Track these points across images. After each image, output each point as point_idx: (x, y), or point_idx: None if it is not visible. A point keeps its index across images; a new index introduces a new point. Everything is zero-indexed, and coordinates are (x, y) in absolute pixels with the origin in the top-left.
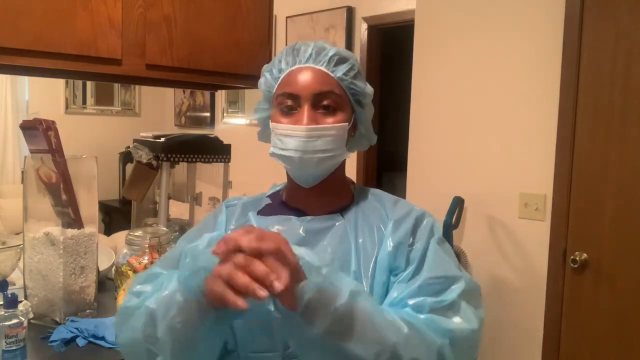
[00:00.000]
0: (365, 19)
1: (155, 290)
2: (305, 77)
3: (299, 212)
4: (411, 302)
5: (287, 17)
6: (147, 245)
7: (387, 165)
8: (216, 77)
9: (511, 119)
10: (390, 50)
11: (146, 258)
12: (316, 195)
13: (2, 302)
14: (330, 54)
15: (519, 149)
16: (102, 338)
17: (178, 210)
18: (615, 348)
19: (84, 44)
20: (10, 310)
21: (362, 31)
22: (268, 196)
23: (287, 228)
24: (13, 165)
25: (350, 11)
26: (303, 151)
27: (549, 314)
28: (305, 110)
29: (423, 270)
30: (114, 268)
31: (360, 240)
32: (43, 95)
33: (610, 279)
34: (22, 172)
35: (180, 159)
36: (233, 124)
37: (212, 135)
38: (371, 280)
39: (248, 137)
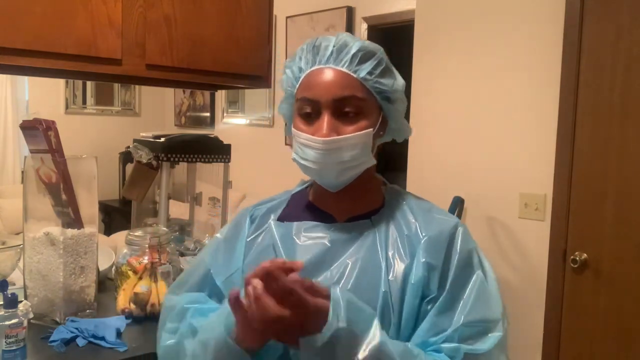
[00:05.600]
0: (365, 19)
1: (187, 328)
2: (324, 81)
3: (326, 216)
4: (445, 346)
5: (287, 17)
6: (147, 245)
7: (387, 165)
8: (216, 77)
9: (511, 119)
10: (390, 50)
11: (146, 258)
12: (344, 198)
13: (2, 302)
14: (353, 51)
15: (519, 149)
16: (102, 338)
17: (178, 210)
18: (615, 348)
19: (83, 44)
20: (10, 310)
21: (362, 31)
22: (293, 194)
23: (312, 237)
24: (13, 165)
25: (350, 11)
26: (322, 163)
27: (549, 314)
28: (325, 119)
29: (462, 307)
30: (114, 268)
31: (391, 253)
32: (43, 95)
33: (610, 279)
34: (22, 172)
35: (180, 159)
36: (233, 124)
37: (212, 135)
38: (400, 303)
39: (248, 137)
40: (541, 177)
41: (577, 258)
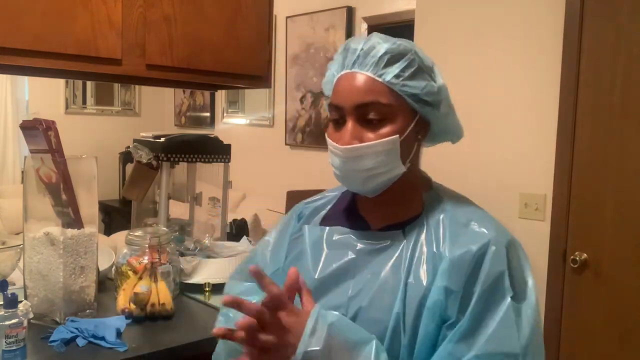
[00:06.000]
0: (365, 19)
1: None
2: (348, 86)
3: (362, 222)
4: None
5: (287, 17)
6: (147, 245)
7: None
8: (216, 77)
9: (511, 119)
10: None
11: (146, 258)
12: (380, 204)
13: (2, 302)
14: (380, 53)
15: (519, 149)
16: (102, 338)
17: (178, 210)
18: (615, 348)
19: (84, 44)
20: (10, 310)
21: (362, 31)
22: (344, 192)
23: (340, 245)
24: (13, 165)
25: (350, 11)
26: (345, 170)
27: (549, 314)
28: (349, 126)
29: (480, 337)
30: (114, 268)
31: (414, 270)
32: (43, 95)
33: (610, 279)
34: (22, 172)
35: (180, 159)
36: (233, 124)
37: (212, 135)
38: (414, 325)
39: (248, 137)
40: (541, 177)
41: (577, 258)
